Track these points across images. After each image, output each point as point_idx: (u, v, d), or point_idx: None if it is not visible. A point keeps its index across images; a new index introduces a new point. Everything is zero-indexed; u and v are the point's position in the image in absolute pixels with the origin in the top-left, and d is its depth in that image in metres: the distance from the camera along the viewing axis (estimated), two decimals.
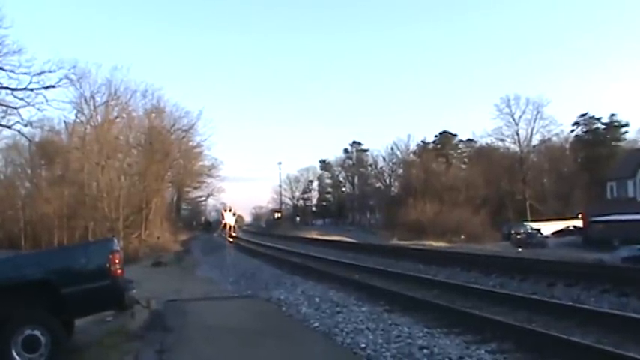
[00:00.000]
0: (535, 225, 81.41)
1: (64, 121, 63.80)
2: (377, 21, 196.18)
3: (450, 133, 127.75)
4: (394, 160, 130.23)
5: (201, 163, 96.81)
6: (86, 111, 63.69)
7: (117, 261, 10.54)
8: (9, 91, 48.62)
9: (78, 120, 64.10)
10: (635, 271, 21.90)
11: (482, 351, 10.14)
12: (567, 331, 11.29)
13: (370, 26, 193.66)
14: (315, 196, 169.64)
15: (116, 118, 66.39)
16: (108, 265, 10.40)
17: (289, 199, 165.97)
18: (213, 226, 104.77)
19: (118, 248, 11.05)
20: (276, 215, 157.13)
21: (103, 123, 63.04)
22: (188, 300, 18.62)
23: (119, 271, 10.60)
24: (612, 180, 75.05)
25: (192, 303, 17.84)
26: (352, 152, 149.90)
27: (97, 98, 63.83)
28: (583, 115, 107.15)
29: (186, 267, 40.69)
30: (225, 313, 16.08)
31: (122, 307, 11.49)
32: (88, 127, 63.67)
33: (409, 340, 11.06)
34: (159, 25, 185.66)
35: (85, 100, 62.95)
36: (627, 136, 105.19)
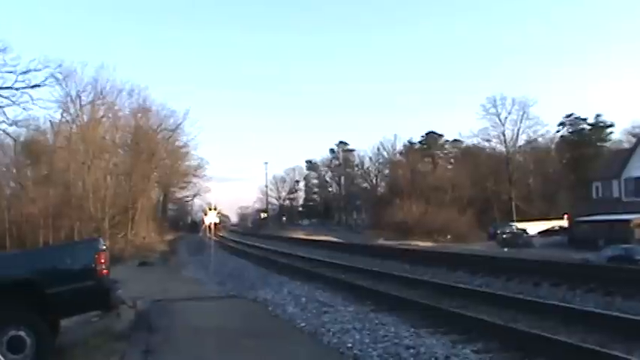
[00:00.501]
0: (521, 225, 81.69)
1: (50, 121, 63.41)
2: (364, 21, 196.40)
3: (436, 133, 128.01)
4: (380, 160, 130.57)
5: (187, 163, 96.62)
6: (72, 110, 63.38)
7: (103, 261, 10.50)
8: None
9: (64, 119, 63.74)
10: (620, 271, 22.08)
11: (468, 350, 10.18)
12: (553, 331, 11.34)
13: (356, 26, 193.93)
14: (301, 196, 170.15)
15: (102, 117, 66.15)
16: (94, 265, 10.35)
17: (275, 199, 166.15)
18: (200, 226, 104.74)
19: (104, 248, 11.00)
20: (262, 215, 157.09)
21: (89, 122, 62.76)
22: (174, 300, 18.57)
23: (105, 271, 10.56)
24: (598, 180, 75.27)
25: (178, 303, 17.80)
26: (338, 152, 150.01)
27: (83, 97, 63.53)
28: (569, 115, 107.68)
29: (173, 267, 40.66)
30: (212, 313, 16.06)
31: (108, 307, 11.45)
32: (74, 126, 63.35)
33: (396, 340, 11.09)
34: (145, 24, 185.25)
35: (71, 99, 62.65)
36: (612, 137, 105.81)
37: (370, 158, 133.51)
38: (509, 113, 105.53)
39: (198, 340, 11.96)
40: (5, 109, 49.75)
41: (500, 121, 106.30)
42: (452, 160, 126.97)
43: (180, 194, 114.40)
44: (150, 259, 44.81)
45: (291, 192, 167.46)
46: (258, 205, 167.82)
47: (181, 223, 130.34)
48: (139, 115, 72.45)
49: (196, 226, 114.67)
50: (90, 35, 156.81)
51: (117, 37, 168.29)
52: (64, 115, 63.47)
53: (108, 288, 10.80)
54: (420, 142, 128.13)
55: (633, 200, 64.92)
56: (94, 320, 13.61)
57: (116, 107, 67.46)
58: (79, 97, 63.10)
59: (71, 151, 58.61)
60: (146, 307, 16.18)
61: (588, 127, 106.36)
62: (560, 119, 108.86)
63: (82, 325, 13.17)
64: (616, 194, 69.70)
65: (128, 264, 41.02)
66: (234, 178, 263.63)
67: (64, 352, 10.98)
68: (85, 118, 63.93)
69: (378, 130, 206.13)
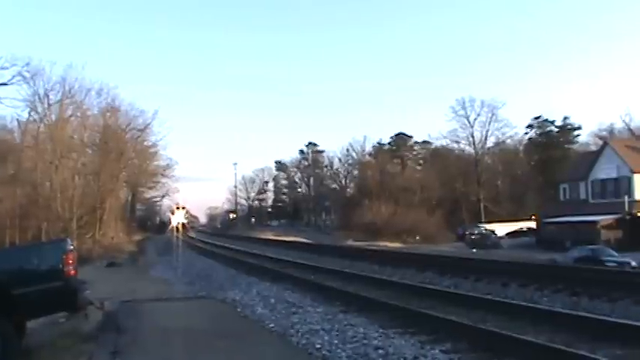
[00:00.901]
0: (489, 226, 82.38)
1: (17, 120, 62.88)
2: (331, 21, 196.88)
3: (405, 135, 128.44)
4: (350, 161, 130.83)
5: (156, 163, 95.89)
6: (40, 109, 62.78)
7: (70, 262, 10.39)
8: None
9: (31, 118, 63.12)
10: (586, 272, 22.33)
11: (437, 351, 10.21)
12: (520, 331, 11.41)
13: (324, 26, 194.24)
14: (270, 196, 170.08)
15: (70, 116, 65.63)
16: (61, 265, 10.24)
17: (245, 199, 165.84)
18: (167, 226, 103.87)
19: (72, 249, 10.89)
20: (231, 216, 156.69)
21: (57, 121, 62.20)
22: (142, 301, 18.45)
23: (72, 271, 10.45)
24: (565, 182, 76.10)
25: (146, 304, 17.70)
26: (308, 153, 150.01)
27: (51, 96, 62.94)
28: (537, 117, 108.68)
29: (141, 267, 40.40)
30: (180, 314, 15.97)
31: (75, 308, 11.34)
32: (42, 125, 62.79)
33: (364, 341, 11.10)
34: (114, 23, 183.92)
35: (39, 98, 62.03)
36: (580, 139, 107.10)
37: (339, 159, 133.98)
38: (478, 115, 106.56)
39: (166, 341, 11.89)
40: None
41: (469, 122, 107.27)
42: (421, 162, 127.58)
43: (148, 194, 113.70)
44: (118, 260, 44.54)
45: (260, 193, 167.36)
46: (227, 206, 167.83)
47: (149, 223, 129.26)
48: (108, 114, 71.91)
49: (165, 226, 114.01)
50: (59, 34, 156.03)
51: (87, 36, 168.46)
52: (32, 114, 62.94)
53: (75, 289, 10.69)
54: (389, 143, 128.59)
55: (600, 202, 65.78)
56: (61, 321, 13.48)
57: (85, 106, 67.00)
58: (47, 96, 62.60)
59: (39, 151, 58.10)
60: (114, 308, 16.07)
61: (556, 130, 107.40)
62: (529, 121, 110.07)
63: (49, 326, 13.03)
64: (583, 196, 70.53)
65: (96, 264, 40.72)
66: (203, 178, 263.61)
67: (31, 353, 10.87)
68: (53, 117, 63.36)
69: (347, 131, 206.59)
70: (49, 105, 63.03)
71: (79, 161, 63.49)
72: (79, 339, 11.97)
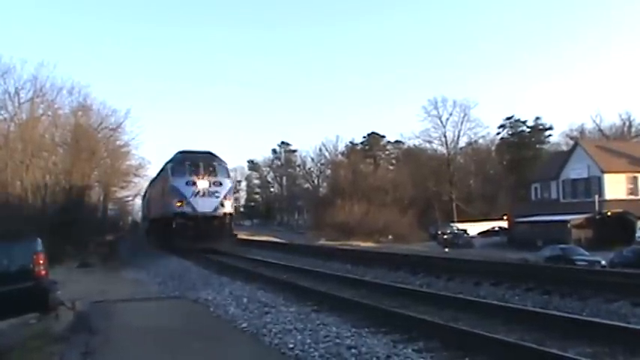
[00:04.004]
0: (461, 225, 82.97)
1: None
2: (303, 19, 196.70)
3: (378, 134, 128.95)
4: (322, 161, 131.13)
5: (128, 163, 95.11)
6: (10, 108, 62.22)
7: (41, 262, 10.33)
8: None
9: (1, 117, 62.57)
10: (557, 270, 22.54)
11: (410, 350, 10.21)
12: (492, 329, 11.47)
13: (297, 25, 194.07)
14: (243, 196, 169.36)
15: (41, 115, 64.96)
16: (32, 266, 10.20)
17: None
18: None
19: (42, 249, 10.82)
20: None
21: (27, 120, 61.60)
22: (114, 301, 18.32)
23: (43, 272, 10.40)
24: (536, 182, 76.82)
25: (118, 304, 17.58)
26: (280, 152, 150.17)
27: (22, 95, 62.41)
28: (509, 117, 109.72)
29: (113, 268, 40.11)
30: (153, 314, 15.90)
31: (46, 308, 11.26)
32: (12, 124, 62.19)
33: (337, 340, 11.08)
34: (87, 21, 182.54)
35: (9, 96, 61.50)
36: (551, 139, 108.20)
37: (312, 159, 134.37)
38: (451, 115, 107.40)
39: (139, 341, 11.84)
40: None
41: (441, 122, 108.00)
42: (393, 161, 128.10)
43: (120, 194, 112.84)
44: (90, 260, 44.19)
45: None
46: None
47: (121, 223, 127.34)
48: (80, 113, 71.30)
49: (137, 227, 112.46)
50: (31, 32, 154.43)
51: (59, 34, 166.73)
52: (2, 112, 62.37)
53: (46, 289, 10.64)
54: (361, 142, 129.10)
55: (570, 201, 66.45)
56: (32, 322, 13.37)
57: (56, 105, 66.37)
58: (18, 95, 62.06)
59: (9, 150, 57.49)
60: (86, 309, 15.94)
61: (528, 130, 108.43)
62: (501, 121, 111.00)
63: (20, 327, 12.93)
64: (554, 195, 71.19)
65: (67, 264, 40.42)
66: None
67: (1, 355, 10.77)
68: (24, 116, 62.75)
69: (320, 131, 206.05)
70: (20, 104, 62.52)
71: (50, 161, 62.91)
72: (50, 340, 11.88)
